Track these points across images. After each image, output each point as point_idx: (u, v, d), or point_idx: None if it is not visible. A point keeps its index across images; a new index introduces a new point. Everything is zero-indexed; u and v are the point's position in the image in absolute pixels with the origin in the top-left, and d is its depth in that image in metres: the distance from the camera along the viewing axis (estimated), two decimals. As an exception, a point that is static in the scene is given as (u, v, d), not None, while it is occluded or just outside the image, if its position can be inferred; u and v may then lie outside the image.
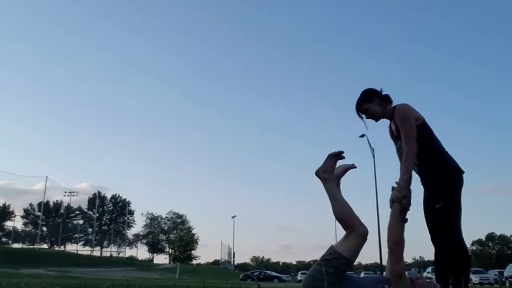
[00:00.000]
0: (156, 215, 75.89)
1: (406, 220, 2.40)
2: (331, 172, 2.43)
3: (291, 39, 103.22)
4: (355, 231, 2.20)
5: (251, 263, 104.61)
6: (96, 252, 58.69)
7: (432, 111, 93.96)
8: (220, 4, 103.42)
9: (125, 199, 72.70)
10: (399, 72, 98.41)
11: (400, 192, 2.43)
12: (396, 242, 2.27)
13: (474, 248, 73.43)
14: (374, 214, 30.46)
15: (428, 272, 30.00)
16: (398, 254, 2.26)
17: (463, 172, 2.64)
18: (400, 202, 2.39)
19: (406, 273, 2.46)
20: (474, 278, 30.00)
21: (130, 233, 72.74)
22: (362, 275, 37.58)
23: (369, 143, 27.14)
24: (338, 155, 2.46)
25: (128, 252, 66.10)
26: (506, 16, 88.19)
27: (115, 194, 73.18)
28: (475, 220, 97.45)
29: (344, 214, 2.26)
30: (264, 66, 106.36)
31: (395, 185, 2.52)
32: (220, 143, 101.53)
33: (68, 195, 59.38)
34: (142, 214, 75.11)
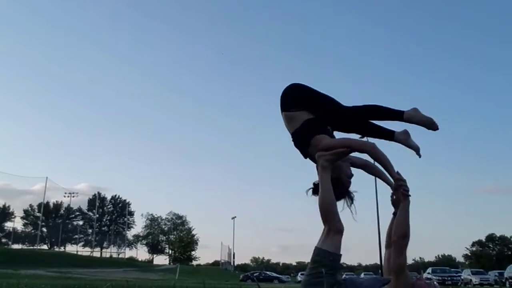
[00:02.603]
0: (156, 216, 76.01)
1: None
2: (332, 163, 2.38)
3: (291, 38, 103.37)
4: (335, 228, 2.26)
5: (251, 264, 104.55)
6: (96, 253, 58.82)
7: (432, 111, 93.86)
8: (220, 4, 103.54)
9: (125, 200, 72.85)
10: (400, 71, 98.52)
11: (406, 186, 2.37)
12: (401, 235, 2.30)
13: (474, 249, 73.47)
14: (374, 214, 30.45)
15: (428, 273, 29.98)
16: (401, 247, 2.29)
17: None
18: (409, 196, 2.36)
19: None
20: (474, 279, 29.98)
21: (130, 234, 72.90)
22: (362, 275, 37.53)
23: (369, 143, 27.15)
24: (349, 153, 2.43)
25: (128, 253, 66.21)
26: (506, 15, 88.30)
27: (115, 195, 73.39)
28: (475, 221, 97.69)
29: (330, 209, 2.29)
30: (264, 65, 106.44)
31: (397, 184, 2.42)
32: (220, 144, 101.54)
33: (68, 196, 59.45)
34: (142, 215, 75.24)
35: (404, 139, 2.59)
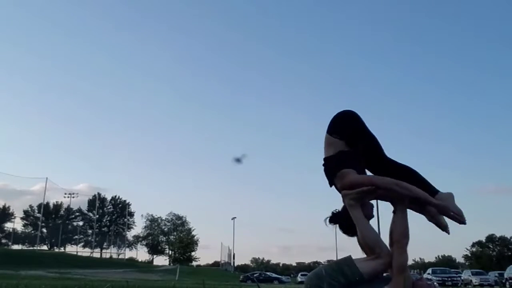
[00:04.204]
0: (156, 216, 76.00)
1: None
2: (359, 201, 2.40)
3: (291, 38, 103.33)
4: (383, 259, 2.28)
5: (251, 264, 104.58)
6: (96, 254, 58.93)
7: (433, 112, 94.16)
8: (220, 4, 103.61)
9: (125, 201, 72.93)
10: (401, 72, 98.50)
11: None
12: (401, 235, 2.38)
13: (474, 249, 73.46)
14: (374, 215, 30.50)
15: (429, 274, 29.98)
16: (402, 246, 2.37)
17: None
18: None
19: None
20: (474, 280, 30.00)
21: (130, 234, 72.97)
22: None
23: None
24: (373, 192, 2.40)
25: (128, 253, 66.20)
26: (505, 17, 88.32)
27: (115, 196, 73.47)
28: (475, 221, 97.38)
29: (374, 243, 2.33)
30: (264, 65, 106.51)
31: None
32: (220, 144, 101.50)
33: (68, 197, 59.44)
34: (142, 215, 75.29)
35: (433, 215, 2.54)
